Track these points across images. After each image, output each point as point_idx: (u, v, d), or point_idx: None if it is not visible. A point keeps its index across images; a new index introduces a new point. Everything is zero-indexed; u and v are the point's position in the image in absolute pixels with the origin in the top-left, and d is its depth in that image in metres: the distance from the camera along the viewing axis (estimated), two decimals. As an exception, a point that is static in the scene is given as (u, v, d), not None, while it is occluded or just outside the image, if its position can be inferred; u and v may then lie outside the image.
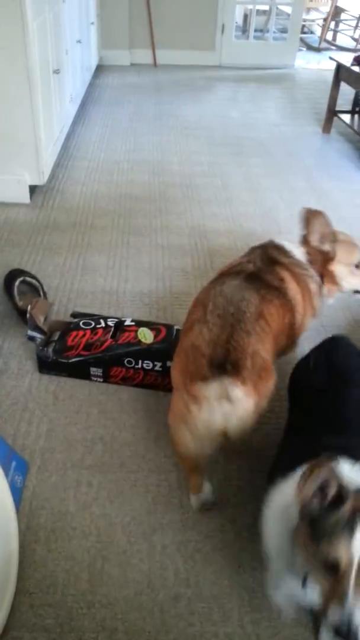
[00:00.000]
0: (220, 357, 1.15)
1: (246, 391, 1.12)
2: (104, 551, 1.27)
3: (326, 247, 1.54)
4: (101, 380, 1.71)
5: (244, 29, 6.47)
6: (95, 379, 1.71)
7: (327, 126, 3.94)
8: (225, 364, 1.13)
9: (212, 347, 1.18)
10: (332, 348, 1.37)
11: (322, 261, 1.55)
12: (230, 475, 1.45)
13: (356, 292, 1.63)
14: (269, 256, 1.49)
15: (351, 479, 0.88)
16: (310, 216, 1.56)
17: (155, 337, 1.69)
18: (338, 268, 1.56)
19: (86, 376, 1.71)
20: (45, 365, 1.71)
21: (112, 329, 1.73)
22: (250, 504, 1.37)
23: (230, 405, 1.11)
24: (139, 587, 1.20)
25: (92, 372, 1.70)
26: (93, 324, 1.76)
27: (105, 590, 1.19)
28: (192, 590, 1.20)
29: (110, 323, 1.76)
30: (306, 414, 1.23)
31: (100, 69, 5.30)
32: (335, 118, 3.89)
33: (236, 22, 5.88)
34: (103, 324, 1.75)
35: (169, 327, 1.74)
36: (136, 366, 1.67)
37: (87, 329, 1.72)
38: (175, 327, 1.73)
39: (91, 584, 1.20)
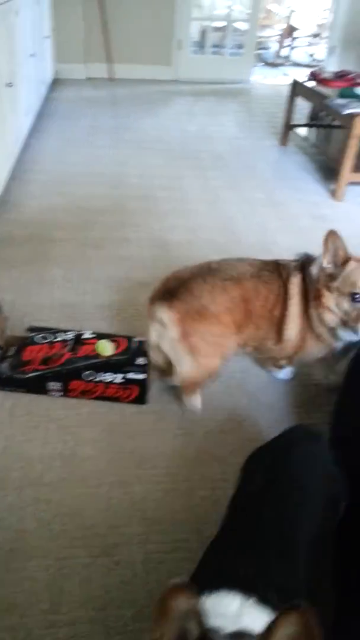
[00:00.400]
0: (171, 289, 1.45)
1: (170, 317, 1.40)
2: (64, 569, 1.24)
3: (332, 269, 1.49)
4: (60, 394, 1.68)
5: (201, 45, 6.60)
6: (53, 393, 1.68)
7: (284, 139, 4.05)
8: (169, 293, 1.43)
9: (173, 281, 1.48)
10: (282, 446, 1.09)
11: (324, 283, 1.47)
12: (192, 477, 1.44)
13: (343, 327, 1.48)
14: (298, 264, 1.60)
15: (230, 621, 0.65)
16: (328, 237, 1.50)
17: (114, 349, 1.68)
18: (329, 294, 1.46)
19: (44, 391, 1.68)
20: (1, 382, 1.67)
21: (71, 342, 1.71)
22: (218, 512, 1.37)
23: (161, 327, 1.43)
24: (101, 603, 1.17)
25: (50, 387, 1.67)
26: (51, 337, 1.73)
27: (66, 609, 1.16)
28: (156, 605, 1.18)
29: (68, 336, 1.74)
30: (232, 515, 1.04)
31: (56, 82, 5.29)
32: (292, 131, 4.00)
33: (193, 38, 5.99)
34: (61, 338, 1.73)
35: (128, 339, 1.73)
36: (96, 379, 1.65)
37: (44, 343, 1.70)
38: (135, 339, 1.73)
39: (51, 604, 1.17)
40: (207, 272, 1.50)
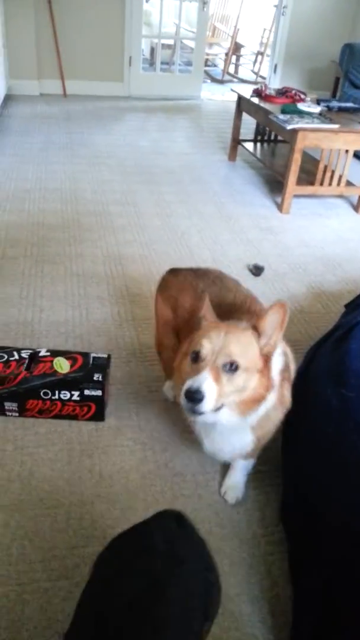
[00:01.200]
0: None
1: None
2: (24, 594, 1.21)
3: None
4: (16, 414, 1.66)
5: (151, 62, 6.71)
6: (9, 413, 1.66)
7: (232, 154, 4.16)
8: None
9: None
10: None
11: None
12: (150, 493, 1.45)
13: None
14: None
15: None
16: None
17: (71, 366, 1.68)
18: None
19: (0, 411, 1.65)
20: None
21: (27, 360, 1.69)
22: (173, 527, 1.38)
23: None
24: (62, 628, 1.16)
25: (6, 407, 1.65)
26: (5, 356, 1.70)
27: (27, 635, 1.14)
28: (118, 622, 1.18)
29: (24, 355, 1.71)
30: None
31: (8, 98, 5.25)
32: (240, 146, 4.11)
33: (143, 55, 6.08)
34: (17, 356, 1.71)
35: (85, 355, 1.73)
36: (53, 397, 1.64)
37: (-1, 362, 1.67)
38: (92, 355, 1.73)
39: (10, 631, 1.14)
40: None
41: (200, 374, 1.08)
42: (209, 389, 1.07)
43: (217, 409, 1.12)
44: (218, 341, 1.11)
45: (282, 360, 1.25)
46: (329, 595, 1.08)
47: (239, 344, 1.12)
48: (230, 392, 1.12)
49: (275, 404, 1.24)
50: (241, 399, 1.14)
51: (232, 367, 1.10)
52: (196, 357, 1.13)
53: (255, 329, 1.16)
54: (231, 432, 1.25)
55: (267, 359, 1.16)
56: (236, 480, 1.47)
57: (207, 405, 1.07)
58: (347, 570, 1.06)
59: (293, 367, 1.37)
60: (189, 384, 1.08)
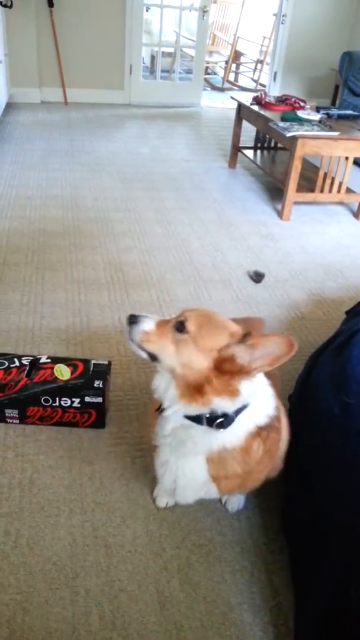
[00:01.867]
0: None
1: None
2: (24, 603, 1.21)
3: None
4: (17, 421, 1.66)
5: (152, 70, 6.75)
6: (10, 420, 1.66)
7: (232, 161, 4.18)
8: None
9: None
10: None
11: None
12: (150, 501, 1.44)
13: None
14: None
15: None
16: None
17: (72, 373, 1.67)
18: None
19: (0, 419, 1.65)
20: None
21: (27, 367, 1.69)
22: (175, 534, 1.37)
23: None
24: (62, 636, 1.15)
25: (7, 414, 1.64)
26: (6, 363, 1.70)
27: (27, 645, 1.13)
28: (119, 633, 1.17)
29: (24, 361, 1.71)
30: None
31: (10, 106, 5.28)
32: (240, 153, 4.13)
33: (144, 63, 6.12)
34: (17, 363, 1.71)
35: (85, 362, 1.73)
36: (54, 404, 1.63)
37: (0, 369, 1.67)
38: (93, 362, 1.73)
39: (11, 641, 1.14)
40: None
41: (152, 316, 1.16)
42: (146, 321, 1.13)
43: (153, 358, 1.12)
44: (193, 309, 1.13)
45: (265, 420, 1.17)
46: (332, 604, 1.08)
47: (206, 319, 1.10)
48: (169, 352, 1.08)
49: (236, 450, 1.15)
50: (184, 375, 1.07)
51: (180, 327, 1.08)
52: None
53: (245, 336, 1.06)
54: (182, 446, 1.17)
55: (231, 368, 1.05)
56: (235, 497, 1.46)
57: (136, 331, 1.12)
58: (351, 578, 1.06)
59: (284, 437, 1.29)
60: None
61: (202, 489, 1.23)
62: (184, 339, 1.07)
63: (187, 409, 1.11)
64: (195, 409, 1.10)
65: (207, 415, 1.10)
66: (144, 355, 1.14)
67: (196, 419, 1.11)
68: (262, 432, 1.16)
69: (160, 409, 1.17)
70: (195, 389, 1.08)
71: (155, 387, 1.16)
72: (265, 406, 1.18)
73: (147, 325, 1.12)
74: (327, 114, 3.60)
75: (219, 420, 1.09)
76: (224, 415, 1.09)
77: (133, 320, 1.14)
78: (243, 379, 1.07)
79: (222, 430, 1.10)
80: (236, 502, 1.45)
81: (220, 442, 1.13)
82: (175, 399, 1.11)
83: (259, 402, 1.15)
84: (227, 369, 1.06)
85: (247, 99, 3.92)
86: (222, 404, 1.08)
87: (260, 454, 1.17)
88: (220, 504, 1.46)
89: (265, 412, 1.18)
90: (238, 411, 1.11)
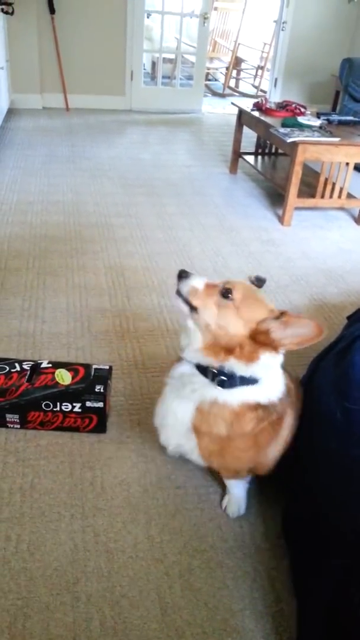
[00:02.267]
0: None
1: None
2: (25, 608, 1.20)
3: None
4: (18, 426, 1.66)
5: (153, 76, 6.79)
6: (11, 425, 1.66)
7: (233, 167, 4.19)
8: None
9: None
10: None
11: None
12: (152, 506, 1.44)
13: None
14: None
15: None
16: None
17: (73, 377, 1.67)
18: None
19: (1, 423, 1.65)
20: None
21: (28, 372, 1.69)
22: (177, 540, 1.37)
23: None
24: (63, 642, 1.15)
25: (7, 419, 1.64)
26: (7, 368, 1.70)
27: (27, 651, 1.13)
28: (120, 639, 1.16)
29: (25, 366, 1.71)
30: None
31: (11, 112, 5.31)
32: (241, 159, 4.14)
33: (145, 69, 6.15)
34: (18, 368, 1.71)
35: (87, 367, 1.72)
36: (55, 409, 1.63)
37: (0, 374, 1.67)
38: (94, 366, 1.73)
39: (11, 647, 1.13)
40: None
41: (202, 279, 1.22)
42: (196, 279, 1.21)
43: (192, 308, 1.19)
44: (238, 282, 1.21)
45: (267, 400, 1.24)
46: (333, 607, 1.07)
47: (250, 293, 1.20)
48: (210, 312, 1.18)
49: (228, 409, 1.22)
50: (215, 333, 1.18)
51: (227, 295, 1.17)
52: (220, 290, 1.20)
53: (281, 314, 1.16)
54: (182, 389, 1.27)
55: (263, 340, 1.16)
56: (236, 493, 1.46)
57: (186, 285, 1.20)
58: (352, 581, 1.05)
59: (281, 437, 1.33)
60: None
61: (184, 436, 1.31)
62: (228, 305, 1.16)
63: (204, 360, 1.21)
64: (209, 361, 1.21)
65: (215, 371, 1.20)
66: (186, 309, 1.21)
67: (203, 370, 1.22)
68: (259, 410, 1.24)
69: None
70: (224, 349, 1.18)
71: (188, 329, 1.23)
72: (271, 389, 1.25)
73: (197, 282, 1.20)
74: (327, 119, 3.61)
75: (221, 378, 1.19)
76: (230, 376, 1.19)
77: (184, 275, 1.21)
78: (268, 352, 1.18)
79: (219, 388, 1.20)
80: (236, 506, 1.45)
81: (214, 395, 1.22)
82: (198, 347, 1.21)
83: (267, 382, 1.23)
84: (260, 340, 1.17)
85: (247, 105, 3.94)
86: (237, 366, 1.19)
87: (250, 427, 1.24)
88: (222, 510, 1.46)
89: (270, 395, 1.24)
90: (245, 381, 1.20)
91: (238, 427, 1.24)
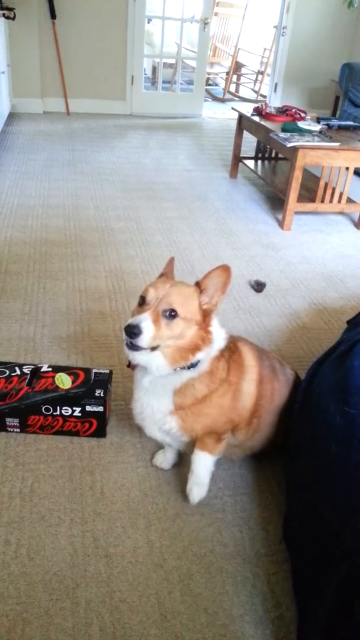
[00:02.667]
0: None
1: None
2: (24, 613, 1.20)
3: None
4: (18, 430, 1.66)
5: (153, 81, 6.82)
6: (11, 429, 1.65)
7: (233, 171, 4.20)
8: None
9: None
10: None
11: None
12: (151, 510, 1.44)
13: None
14: None
15: None
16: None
17: (73, 382, 1.67)
18: None
19: (1, 427, 1.65)
20: None
21: (28, 376, 1.69)
22: (176, 544, 1.36)
23: None
24: (62, 648, 1.14)
25: (7, 423, 1.64)
26: (7, 372, 1.70)
27: (27, 656, 1.12)
28: (119, 644, 1.16)
29: (25, 370, 1.71)
30: None
31: (12, 116, 5.33)
32: (241, 164, 4.16)
33: (145, 74, 6.18)
34: (18, 372, 1.71)
35: (87, 371, 1.73)
36: (54, 413, 1.63)
37: (0, 377, 1.67)
38: (94, 370, 1.73)
39: (11, 652, 1.13)
40: None
41: (142, 314, 1.21)
42: (147, 327, 1.20)
43: (153, 348, 1.23)
44: (162, 290, 1.24)
45: (224, 343, 1.37)
46: (335, 617, 1.07)
47: (181, 295, 1.25)
48: (167, 337, 1.23)
49: (202, 374, 1.32)
50: (177, 346, 1.25)
51: (171, 314, 1.22)
52: (142, 302, 1.26)
53: (199, 286, 1.29)
54: (155, 390, 1.34)
55: (206, 314, 1.29)
56: (200, 472, 1.41)
57: (143, 340, 1.20)
58: (354, 590, 1.05)
59: (250, 357, 1.46)
60: (130, 320, 1.21)
61: (163, 422, 1.37)
62: (177, 322, 1.23)
63: (175, 368, 1.28)
64: (180, 366, 1.28)
65: (187, 365, 1.28)
66: (145, 353, 1.24)
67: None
68: (224, 352, 1.37)
69: (131, 365, 1.33)
70: (190, 351, 1.27)
71: (146, 363, 1.28)
72: (220, 332, 1.37)
73: (148, 328, 1.20)
74: (327, 124, 3.62)
75: (192, 363, 1.29)
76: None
77: (136, 330, 1.19)
78: (212, 319, 1.30)
79: (192, 369, 1.30)
80: (196, 489, 1.41)
81: (188, 375, 1.31)
82: (165, 368, 1.28)
83: (216, 331, 1.34)
84: (205, 319, 1.28)
85: (248, 109, 3.96)
86: (201, 355, 1.29)
87: (224, 372, 1.36)
88: (222, 514, 1.46)
89: (222, 336, 1.37)
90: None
91: (217, 378, 1.35)
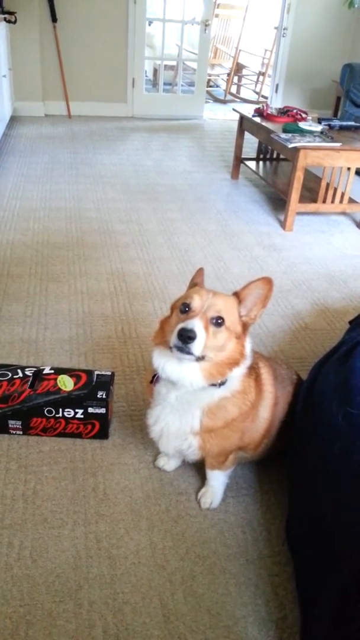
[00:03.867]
0: None
1: None
2: (27, 615, 1.20)
3: None
4: (20, 432, 1.66)
5: (154, 83, 6.83)
6: (14, 432, 1.66)
7: (235, 172, 4.20)
8: None
9: None
10: None
11: None
12: (154, 511, 1.44)
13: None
14: None
15: None
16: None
17: (75, 383, 1.68)
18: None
19: (4, 430, 1.65)
20: None
21: (31, 378, 1.69)
22: (179, 546, 1.36)
23: None
24: (66, 650, 1.14)
25: (10, 425, 1.64)
26: (10, 374, 1.71)
27: (30, 658, 1.12)
28: (123, 646, 1.16)
29: (28, 372, 1.72)
30: None
31: (14, 120, 5.35)
32: (242, 165, 4.16)
33: (146, 76, 6.19)
34: (21, 374, 1.71)
35: (89, 373, 1.73)
36: (57, 415, 1.63)
37: (3, 380, 1.67)
38: (96, 372, 1.73)
39: (14, 654, 1.13)
40: None
41: (193, 319, 1.16)
42: (201, 332, 1.15)
43: (199, 359, 1.18)
44: (207, 298, 1.20)
45: (250, 360, 1.31)
46: (339, 618, 1.07)
47: (226, 304, 1.21)
48: (212, 347, 1.18)
49: (235, 393, 1.28)
50: (217, 359, 1.20)
51: (219, 321, 1.18)
52: (186, 309, 1.20)
53: (237, 296, 1.25)
54: (181, 407, 1.28)
55: (244, 327, 1.25)
56: (214, 485, 1.47)
57: (197, 346, 1.14)
58: (358, 591, 1.05)
59: (268, 383, 1.42)
60: (182, 325, 1.15)
61: (182, 439, 1.33)
62: (222, 331, 1.19)
63: (208, 384, 1.23)
64: (215, 381, 1.23)
65: (221, 382, 1.24)
66: (193, 359, 1.18)
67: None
68: (252, 371, 1.33)
69: (154, 379, 1.29)
70: (228, 365, 1.22)
71: (179, 377, 1.22)
72: (249, 347, 1.30)
73: (201, 334, 1.15)
74: (328, 125, 3.62)
75: (223, 381, 1.25)
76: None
77: (192, 335, 1.12)
78: (248, 331, 1.25)
79: (224, 386, 1.25)
80: (210, 498, 1.46)
81: (220, 393, 1.26)
82: (200, 382, 1.22)
83: (249, 347, 1.29)
84: (243, 332, 1.24)
85: (249, 110, 3.96)
86: (238, 371, 1.24)
87: (253, 392, 1.32)
88: (225, 515, 1.45)
89: (250, 352, 1.31)
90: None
91: (247, 401, 1.32)
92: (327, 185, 3.31)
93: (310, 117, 3.77)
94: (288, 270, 2.84)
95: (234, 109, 4.25)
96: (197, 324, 1.14)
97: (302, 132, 3.38)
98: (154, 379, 1.31)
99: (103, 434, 1.67)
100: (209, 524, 1.43)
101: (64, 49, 5.46)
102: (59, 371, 1.72)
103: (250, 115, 3.83)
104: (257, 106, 3.95)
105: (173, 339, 1.15)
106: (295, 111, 3.75)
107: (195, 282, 1.36)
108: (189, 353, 1.14)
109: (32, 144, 4.68)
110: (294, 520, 1.36)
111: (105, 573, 1.29)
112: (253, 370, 1.35)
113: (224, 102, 7.16)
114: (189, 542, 1.38)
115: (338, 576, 1.11)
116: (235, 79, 7.57)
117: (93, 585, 1.26)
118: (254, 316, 1.25)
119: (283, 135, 3.28)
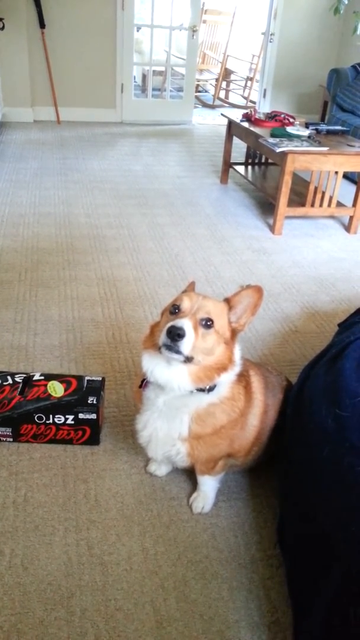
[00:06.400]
0: None
1: None
2: (19, 624, 1.19)
3: None
4: (11, 440, 1.65)
5: (143, 88, 6.86)
6: (4, 439, 1.65)
7: (224, 177, 4.22)
8: None
9: None
10: None
11: None
12: (145, 517, 1.43)
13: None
14: None
15: None
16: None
17: (65, 389, 1.67)
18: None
19: (-6, 437, 1.64)
20: None
21: (20, 384, 1.68)
22: (171, 551, 1.36)
23: None
24: (58, 658, 1.14)
25: (0, 432, 1.63)
26: None
27: (22, 668, 1.12)
28: (115, 653, 1.15)
29: (17, 379, 1.71)
30: None
31: (3, 125, 5.34)
32: (231, 169, 4.18)
33: (135, 82, 6.21)
34: (10, 381, 1.70)
35: (79, 379, 1.72)
36: (47, 421, 1.63)
37: (-7, 387, 1.66)
38: (86, 378, 1.72)
39: (5, 664, 1.12)
40: None
41: (182, 319, 1.17)
42: (189, 330, 1.15)
43: (187, 360, 1.18)
44: (197, 300, 1.21)
45: (240, 367, 1.32)
46: (330, 621, 1.07)
47: (215, 307, 1.22)
48: (201, 349, 1.18)
49: (224, 400, 1.29)
50: (206, 363, 1.21)
51: (208, 323, 1.19)
52: (176, 310, 1.21)
53: (228, 303, 1.25)
54: (169, 412, 1.29)
55: (233, 334, 1.25)
56: (205, 490, 1.47)
57: (186, 345, 1.14)
58: (350, 594, 1.05)
59: (258, 390, 1.43)
60: (172, 323, 1.15)
61: (170, 445, 1.34)
62: (211, 334, 1.19)
63: (196, 388, 1.23)
64: (202, 386, 1.23)
65: (209, 387, 1.24)
66: (181, 359, 1.18)
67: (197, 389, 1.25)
68: (241, 378, 1.33)
69: (143, 384, 1.29)
70: (216, 370, 1.22)
71: (167, 380, 1.22)
72: (239, 355, 1.32)
73: (189, 333, 1.15)
74: (316, 129, 3.65)
75: (211, 387, 1.25)
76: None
77: (181, 332, 1.13)
78: (237, 337, 1.25)
79: (212, 392, 1.25)
80: (202, 503, 1.46)
81: (208, 399, 1.27)
82: (187, 385, 1.22)
83: (237, 353, 1.30)
84: (232, 338, 1.25)
85: (237, 115, 3.98)
86: (225, 377, 1.25)
87: (243, 399, 1.32)
88: (216, 519, 1.45)
89: (239, 359, 1.31)
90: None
91: (236, 408, 1.31)
92: (315, 189, 3.34)
93: (297, 122, 3.80)
94: (277, 274, 2.86)
95: (222, 114, 4.27)
96: (186, 323, 1.15)
97: (290, 137, 3.41)
98: (143, 383, 1.32)
99: (94, 440, 1.66)
100: (201, 528, 1.43)
101: (53, 55, 5.46)
102: (49, 377, 1.71)
103: (238, 120, 3.85)
104: (245, 111, 3.98)
105: (162, 338, 1.16)
106: (282, 116, 3.78)
107: (186, 291, 1.36)
108: (178, 352, 1.15)
109: (21, 150, 4.67)
110: (286, 523, 1.36)
111: (97, 580, 1.29)
112: (243, 378, 1.35)
113: (212, 107, 7.20)
114: (181, 547, 1.38)
115: (330, 579, 1.11)
116: (224, 84, 7.62)
117: (85, 592, 1.26)
118: (243, 323, 1.26)
119: (271, 140, 3.30)
